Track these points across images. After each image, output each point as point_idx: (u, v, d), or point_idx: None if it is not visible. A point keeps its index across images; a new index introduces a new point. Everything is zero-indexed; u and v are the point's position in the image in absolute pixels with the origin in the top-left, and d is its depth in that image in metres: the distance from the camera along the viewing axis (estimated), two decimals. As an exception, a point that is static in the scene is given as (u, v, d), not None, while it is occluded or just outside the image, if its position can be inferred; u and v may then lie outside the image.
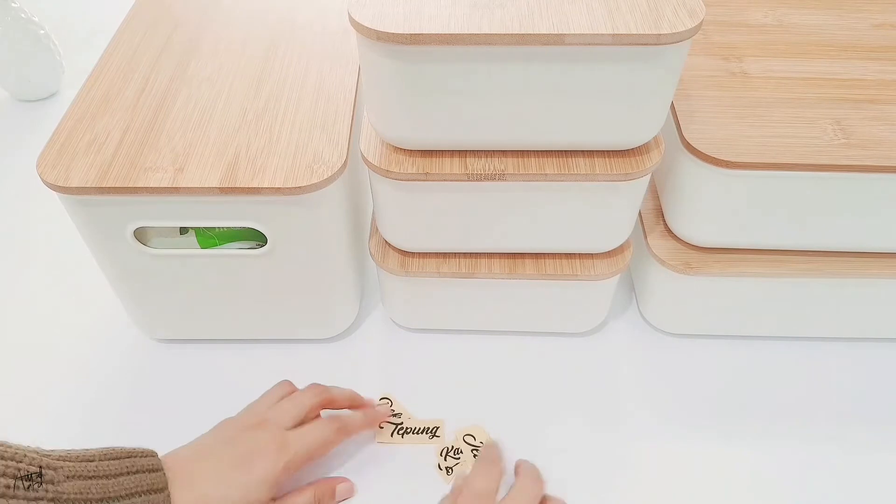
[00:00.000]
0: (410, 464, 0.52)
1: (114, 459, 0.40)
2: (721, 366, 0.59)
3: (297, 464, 0.46)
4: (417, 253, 0.54)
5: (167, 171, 0.46)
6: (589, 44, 0.38)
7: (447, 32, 0.38)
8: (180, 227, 0.51)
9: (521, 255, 0.54)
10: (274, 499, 0.46)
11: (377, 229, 0.54)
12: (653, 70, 0.41)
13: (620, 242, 0.53)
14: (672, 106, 0.50)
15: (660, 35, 0.38)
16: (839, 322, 0.59)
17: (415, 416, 0.55)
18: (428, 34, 0.38)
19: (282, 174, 0.46)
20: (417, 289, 0.56)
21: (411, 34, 0.38)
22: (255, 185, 0.45)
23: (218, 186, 0.45)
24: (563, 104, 0.43)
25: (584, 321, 0.60)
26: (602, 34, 0.38)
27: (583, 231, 0.51)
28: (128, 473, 0.40)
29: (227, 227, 0.51)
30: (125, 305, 0.57)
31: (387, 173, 0.46)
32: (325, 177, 0.46)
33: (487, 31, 0.38)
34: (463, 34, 0.38)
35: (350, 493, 0.50)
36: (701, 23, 0.39)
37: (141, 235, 0.50)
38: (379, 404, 0.56)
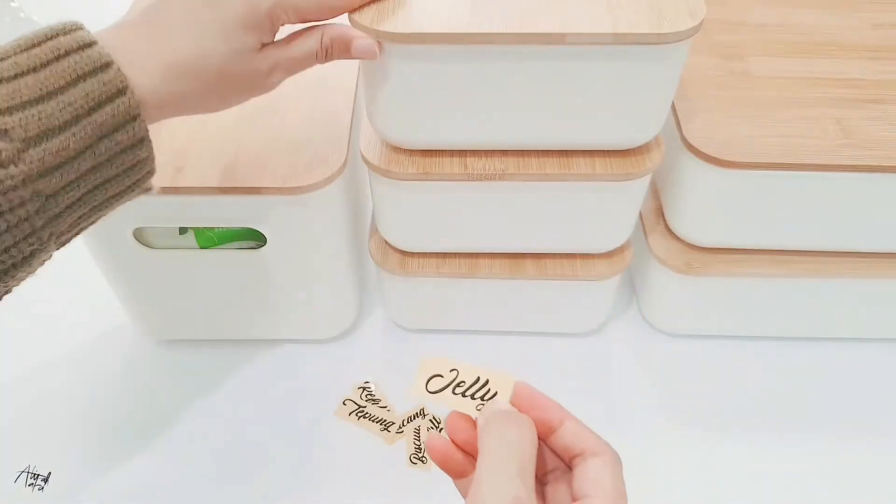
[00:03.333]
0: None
1: (32, 48, 0.30)
2: (721, 366, 0.59)
3: (284, 8, 0.36)
4: (417, 253, 0.54)
5: (166, 171, 0.46)
6: (590, 43, 0.38)
7: (447, 32, 0.38)
8: (179, 227, 0.51)
9: (522, 255, 0.54)
10: (265, 45, 0.36)
11: (377, 229, 0.54)
12: (653, 69, 0.41)
13: (621, 242, 0.53)
14: (673, 105, 0.49)
15: (661, 34, 0.38)
16: (839, 322, 0.59)
17: (395, 409, 0.55)
18: (428, 34, 0.38)
19: (281, 174, 0.46)
20: (417, 289, 0.56)
21: (411, 34, 0.38)
22: (254, 184, 0.45)
23: (217, 186, 0.45)
24: (563, 103, 0.42)
25: (584, 321, 0.60)
26: (603, 33, 0.38)
27: (583, 231, 0.51)
28: (57, 58, 0.30)
29: (226, 227, 0.51)
30: (124, 305, 0.57)
31: (387, 173, 0.46)
32: (325, 177, 0.46)
33: (488, 31, 0.38)
34: (463, 34, 0.38)
35: (370, 53, 0.39)
36: (702, 22, 0.39)
37: (140, 235, 0.50)
38: None
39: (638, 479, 0.52)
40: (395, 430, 0.54)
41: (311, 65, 0.39)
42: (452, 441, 0.32)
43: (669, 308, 0.59)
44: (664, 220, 0.55)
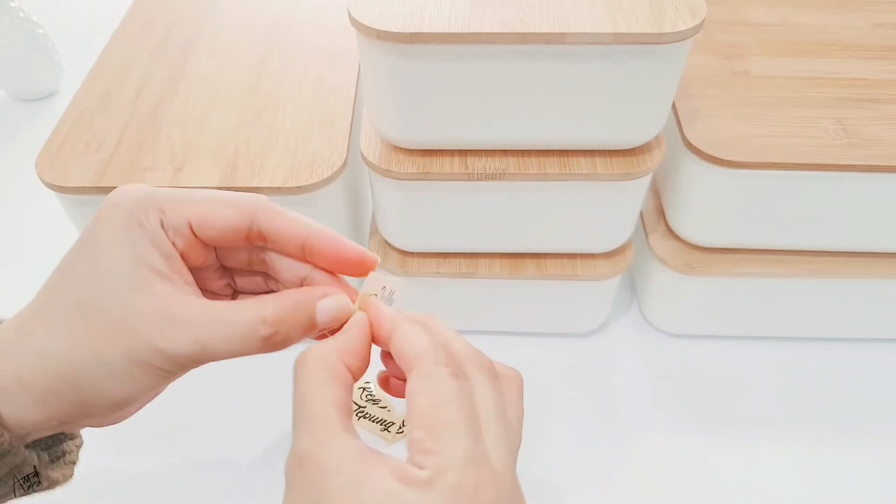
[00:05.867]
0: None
1: None
2: (721, 366, 0.59)
3: (173, 210, 0.27)
4: (417, 253, 0.54)
5: (166, 171, 0.46)
6: (590, 43, 0.38)
7: (448, 31, 0.38)
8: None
9: (522, 255, 0.54)
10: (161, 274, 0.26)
11: (377, 229, 0.54)
12: (654, 69, 0.40)
13: (621, 242, 0.53)
14: (673, 105, 0.49)
15: (661, 34, 0.38)
16: (839, 322, 0.59)
17: (395, 409, 0.55)
18: (429, 33, 0.38)
19: (281, 173, 0.46)
20: (417, 289, 0.56)
21: (412, 33, 0.38)
22: (254, 184, 0.45)
23: (217, 186, 0.45)
24: (563, 103, 0.42)
25: (584, 321, 0.60)
26: (603, 33, 0.38)
27: (584, 231, 0.51)
28: None
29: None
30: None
31: (387, 173, 0.46)
32: (325, 176, 0.46)
33: (488, 31, 0.38)
34: (464, 33, 0.38)
35: (339, 311, 0.29)
36: (703, 22, 0.39)
37: (140, 235, 0.50)
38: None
39: (637, 479, 0.52)
40: (396, 431, 0.54)
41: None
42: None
43: (670, 308, 0.59)
44: (665, 220, 0.55)
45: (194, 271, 0.28)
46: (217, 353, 0.27)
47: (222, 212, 0.27)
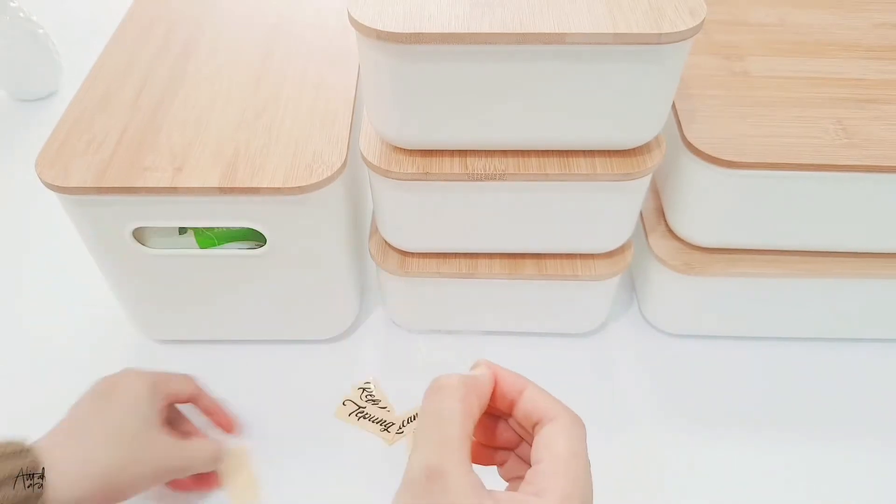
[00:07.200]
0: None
1: None
2: (721, 366, 0.59)
3: (167, 384, 0.47)
4: (417, 253, 0.54)
5: (166, 171, 0.46)
6: (590, 43, 0.38)
7: (448, 32, 0.38)
8: (179, 228, 0.51)
9: (522, 256, 0.54)
10: (170, 423, 0.48)
11: (377, 229, 0.54)
12: (654, 69, 0.40)
13: (621, 242, 0.53)
14: (673, 105, 0.49)
15: (661, 34, 0.38)
16: (839, 322, 0.59)
17: (395, 409, 0.55)
18: (428, 33, 0.38)
19: (281, 174, 0.46)
20: (417, 289, 0.56)
21: (412, 33, 0.38)
22: (254, 184, 0.45)
23: (217, 186, 0.45)
24: (563, 103, 0.42)
25: (584, 321, 0.60)
26: (603, 33, 0.38)
27: (583, 231, 0.51)
28: None
29: (226, 228, 0.51)
30: (124, 306, 0.57)
31: (387, 173, 0.46)
32: (325, 176, 0.46)
33: (488, 31, 0.38)
34: (464, 33, 0.38)
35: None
36: (702, 22, 0.39)
37: (140, 235, 0.50)
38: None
39: (638, 479, 0.52)
40: (396, 431, 0.54)
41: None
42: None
43: (669, 308, 0.59)
44: (664, 220, 0.55)
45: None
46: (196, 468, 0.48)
47: (180, 385, 0.49)
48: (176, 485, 0.48)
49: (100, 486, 0.40)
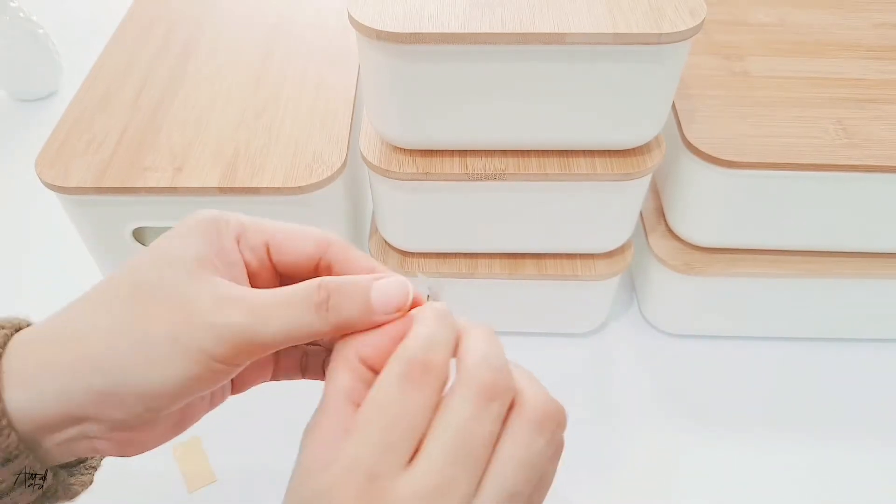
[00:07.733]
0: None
1: None
2: (721, 366, 0.59)
3: (242, 218, 0.28)
4: (417, 253, 0.54)
5: (166, 171, 0.46)
6: (590, 43, 0.38)
7: (447, 32, 0.38)
8: (179, 227, 0.51)
9: (522, 256, 0.54)
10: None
11: (377, 229, 0.54)
12: (654, 69, 0.40)
13: (621, 242, 0.53)
14: (673, 105, 0.49)
15: (661, 34, 0.38)
16: (839, 322, 0.59)
17: None
18: (428, 33, 0.38)
19: (281, 174, 0.46)
20: (417, 289, 0.56)
21: (411, 33, 0.38)
22: (254, 184, 0.45)
23: (217, 186, 0.45)
24: (563, 103, 0.42)
25: (584, 321, 0.60)
26: (603, 33, 0.38)
27: (583, 231, 0.51)
28: None
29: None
30: (124, 305, 0.57)
31: (387, 173, 0.46)
32: (325, 177, 0.46)
33: (488, 31, 0.38)
34: (463, 33, 0.38)
35: (397, 291, 0.29)
36: (702, 22, 0.39)
37: (140, 235, 0.50)
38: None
39: (636, 478, 0.52)
40: None
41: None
42: None
43: (669, 308, 0.59)
44: (664, 220, 0.55)
45: None
46: (270, 327, 0.24)
47: (299, 240, 0.29)
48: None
49: (88, 373, 0.24)
